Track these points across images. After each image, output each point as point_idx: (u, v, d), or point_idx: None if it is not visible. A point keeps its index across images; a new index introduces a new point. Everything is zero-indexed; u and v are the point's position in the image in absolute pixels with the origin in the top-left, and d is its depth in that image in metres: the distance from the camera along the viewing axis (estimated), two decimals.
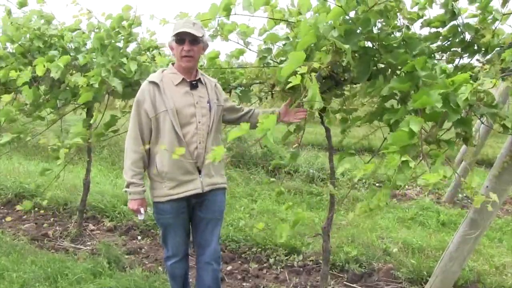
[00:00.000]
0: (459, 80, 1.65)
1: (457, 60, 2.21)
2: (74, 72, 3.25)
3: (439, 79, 1.70)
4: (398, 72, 2.02)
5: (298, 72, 1.76)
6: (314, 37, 1.86)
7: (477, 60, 2.13)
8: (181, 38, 2.37)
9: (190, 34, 2.34)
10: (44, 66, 3.12)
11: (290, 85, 1.79)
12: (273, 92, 2.80)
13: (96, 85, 3.02)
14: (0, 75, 3.33)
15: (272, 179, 6.21)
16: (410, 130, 1.62)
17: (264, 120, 1.62)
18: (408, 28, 2.10)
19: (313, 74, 1.78)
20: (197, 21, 2.44)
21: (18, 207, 3.82)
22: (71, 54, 3.43)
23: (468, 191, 1.65)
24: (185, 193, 2.47)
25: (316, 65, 1.87)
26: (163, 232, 2.66)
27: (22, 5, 3.56)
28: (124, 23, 3.29)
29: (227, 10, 2.44)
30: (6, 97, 3.33)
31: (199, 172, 2.50)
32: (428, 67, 1.76)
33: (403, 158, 1.66)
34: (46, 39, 3.49)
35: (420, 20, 2.18)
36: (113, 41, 3.26)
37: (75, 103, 3.67)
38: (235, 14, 2.45)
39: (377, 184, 6.15)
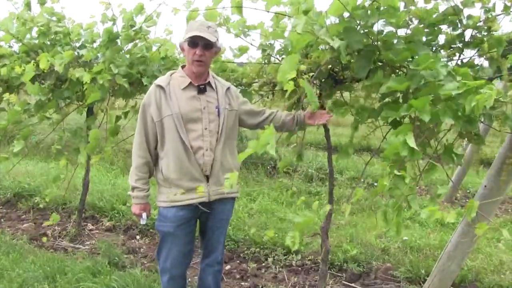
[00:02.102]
0: (474, 86, 1.61)
1: (456, 57, 2.21)
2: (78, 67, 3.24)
3: (454, 82, 1.68)
4: (397, 70, 2.01)
5: (288, 78, 1.75)
6: (310, 37, 1.85)
7: (479, 55, 2.12)
8: (194, 41, 2.29)
9: (204, 39, 2.26)
10: (48, 61, 3.11)
11: (287, 93, 1.78)
12: (273, 91, 2.80)
13: (104, 83, 2.97)
14: (4, 72, 3.30)
15: (282, 180, 6.25)
16: (409, 147, 1.63)
17: (261, 135, 1.63)
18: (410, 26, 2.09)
19: (305, 76, 1.78)
20: (213, 24, 2.36)
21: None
22: (77, 51, 3.44)
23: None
24: (190, 201, 2.37)
25: (302, 67, 1.85)
26: (160, 242, 2.55)
27: (42, 1, 3.56)
28: (140, 19, 3.30)
29: (238, 8, 2.42)
30: (13, 98, 3.32)
31: (207, 180, 2.41)
32: (438, 65, 1.75)
33: (397, 173, 1.67)
34: (52, 36, 3.48)
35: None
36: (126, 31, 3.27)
37: (77, 103, 3.68)
38: (243, 7, 2.42)
39: (375, 184, 6.16)
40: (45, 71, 3.27)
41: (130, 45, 3.35)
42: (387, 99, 2.05)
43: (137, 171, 2.42)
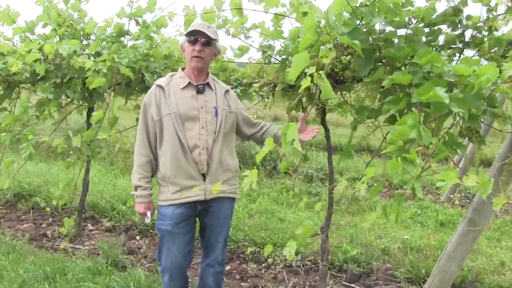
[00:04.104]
0: (484, 70, 1.60)
1: (456, 57, 2.21)
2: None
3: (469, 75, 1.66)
4: (398, 70, 2.00)
5: (308, 73, 1.71)
6: (315, 33, 1.84)
7: (480, 55, 2.13)
8: (194, 38, 2.34)
9: (204, 35, 2.32)
10: (54, 47, 3.17)
11: (301, 88, 1.75)
12: (274, 92, 2.80)
13: (105, 70, 2.97)
14: (9, 64, 3.29)
15: (284, 180, 6.26)
16: (418, 130, 1.57)
17: (286, 131, 1.61)
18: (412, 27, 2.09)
19: (321, 71, 1.74)
20: (213, 26, 2.43)
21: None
22: (83, 41, 3.50)
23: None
24: (187, 199, 2.41)
25: (325, 60, 1.82)
26: (160, 241, 2.57)
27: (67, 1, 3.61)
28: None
29: (238, 9, 2.46)
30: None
31: (204, 178, 2.44)
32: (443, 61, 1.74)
33: (406, 157, 1.58)
34: (64, 29, 3.51)
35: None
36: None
37: (78, 102, 3.69)
38: (243, 8, 2.46)
39: (375, 184, 6.15)
40: (49, 56, 3.30)
41: (137, 42, 3.38)
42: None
43: (140, 170, 2.46)
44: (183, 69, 2.52)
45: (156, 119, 2.39)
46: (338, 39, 1.86)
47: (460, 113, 1.69)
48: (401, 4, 1.91)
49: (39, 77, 3.43)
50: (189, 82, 2.43)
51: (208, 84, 2.48)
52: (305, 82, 1.71)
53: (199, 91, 2.43)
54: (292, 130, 1.62)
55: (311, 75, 1.72)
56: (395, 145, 1.60)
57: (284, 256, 3.91)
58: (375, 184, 2.00)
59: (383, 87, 2.05)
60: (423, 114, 1.66)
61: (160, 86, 2.42)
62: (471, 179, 1.47)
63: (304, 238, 2.17)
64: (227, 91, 2.55)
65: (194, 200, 2.43)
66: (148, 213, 2.53)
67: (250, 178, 1.74)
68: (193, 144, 2.38)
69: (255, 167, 1.82)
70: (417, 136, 1.58)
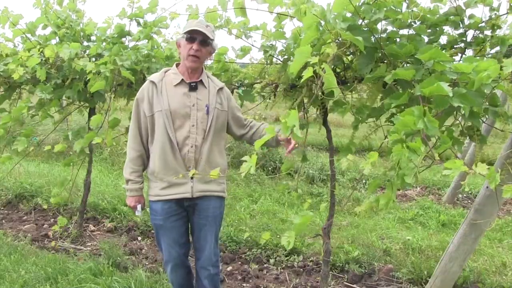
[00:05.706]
0: (485, 66, 1.60)
1: (458, 57, 2.21)
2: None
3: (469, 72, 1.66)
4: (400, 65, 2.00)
5: (310, 62, 1.70)
6: (317, 31, 1.84)
7: (481, 55, 2.13)
8: (192, 36, 2.34)
9: (202, 34, 2.32)
10: (54, 50, 3.18)
11: (303, 79, 1.74)
12: (275, 92, 2.80)
13: (107, 73, 2.97)
14: (16, 76, 3.27)
15: (285, 181, 6.25)
16: (424, 120, 1.56)
17: (286, 117, 1.61)
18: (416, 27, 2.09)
19: (324, 64, 1.73)
20: (211, 24, 2.43)
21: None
22: (84, 43, 3.50)
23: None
24: (174, 196, 2.43)
25: (329, 51, 1.81)
26: (156, 235, 2.63)
27: (60, 1, 3.61)
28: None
29: (242, 10, 2.47)
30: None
31: (191, 176, 2.42)
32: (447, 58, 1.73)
33: (410, 145, 1.56)
34: (63, 30, 3.51)
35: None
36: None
37: (79, 103, 3.69)
38: (246, 8, 2.46)
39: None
40: (50, 59, 3.30)
41: (139, 43, 3.39)
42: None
43: (131, 164, 2.51)
44: (177, 65, 2.50)
45: (148, 115, 2.41)
46: (340, 37, 1.86)
47: (462, 111, 1.68)
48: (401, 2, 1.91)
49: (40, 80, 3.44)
50: (182, 80, 2.43)
51: (201, 81, 2.47)
52: (307, 73, 1.70)
53: (192, 89, 2.43)
54: (292, 116, 1.62)
55: (314, 65, 1.70)
56: (398, 134, 1.59)
57: (286, 257, 3.93)
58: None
59: (384, 86, 2.05)
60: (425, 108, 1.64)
61: (153, 82, 2.42)
62: (481, 167, 1.44)
63: (302, 228, 2.11)
64: (221, 88, 2.53)
65: (181, 197, 2.45)
66: (139, 207, 2.59)
67: (249, 163, 1.72)
68: (182, 142, 2.39)
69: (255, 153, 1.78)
70: (423, 126, 1.56)
